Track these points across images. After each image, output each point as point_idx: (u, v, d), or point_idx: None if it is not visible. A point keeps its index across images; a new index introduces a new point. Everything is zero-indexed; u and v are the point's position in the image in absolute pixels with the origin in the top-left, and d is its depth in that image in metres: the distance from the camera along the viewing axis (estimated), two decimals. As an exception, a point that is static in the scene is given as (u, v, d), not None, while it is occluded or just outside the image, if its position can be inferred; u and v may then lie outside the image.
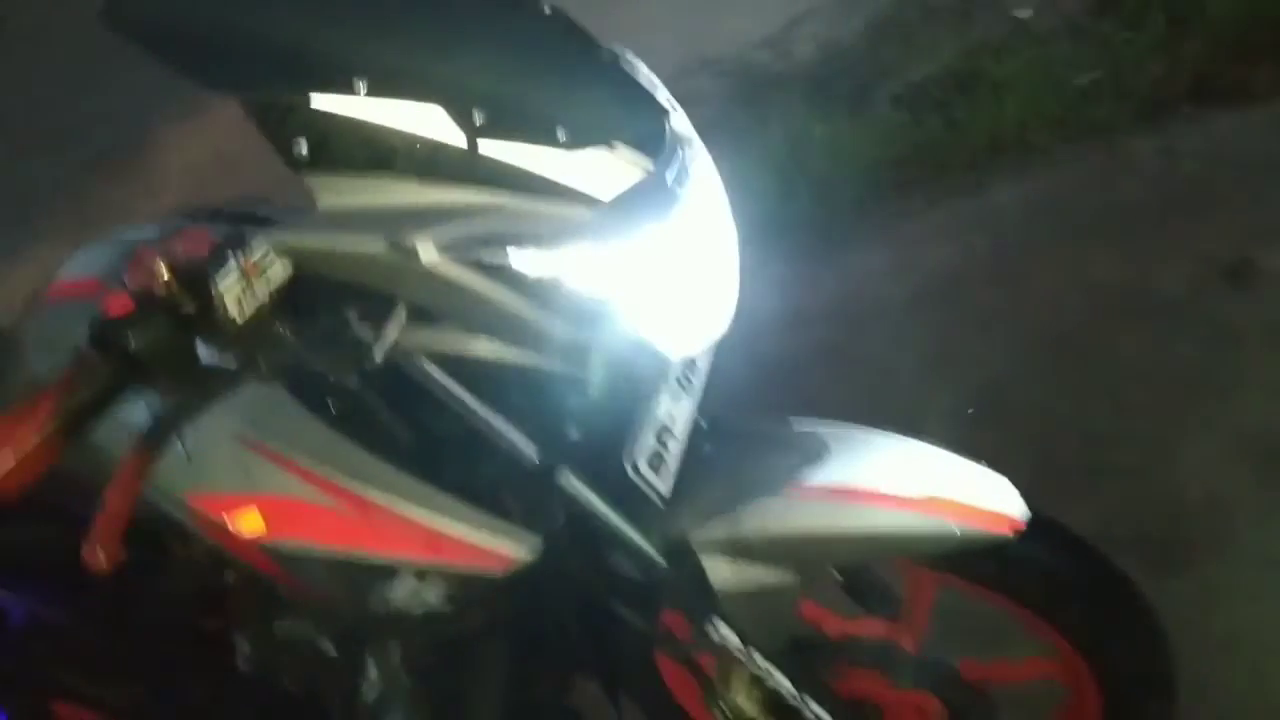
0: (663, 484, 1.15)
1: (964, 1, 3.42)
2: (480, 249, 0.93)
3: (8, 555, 1.51)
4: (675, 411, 1.18)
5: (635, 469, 1.12)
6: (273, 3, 0.97)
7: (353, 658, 1.40)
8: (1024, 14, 3.24)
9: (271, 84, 0.92)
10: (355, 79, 0.92)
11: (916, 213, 2.66)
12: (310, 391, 1.18)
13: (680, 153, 1.03)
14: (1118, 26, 3.01)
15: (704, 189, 1.05)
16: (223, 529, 1.16)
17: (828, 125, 2.94)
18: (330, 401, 1.18)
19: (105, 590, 1.47)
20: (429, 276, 0.93)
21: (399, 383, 1.15)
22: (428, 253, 0.92)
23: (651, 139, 1.02)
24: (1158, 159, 2.56)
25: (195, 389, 1.00)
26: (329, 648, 1.45)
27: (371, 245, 0.93)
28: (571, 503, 1.19)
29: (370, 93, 0.92)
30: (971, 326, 2.35)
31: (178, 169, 3.72)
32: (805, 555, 1.22)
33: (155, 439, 0.99)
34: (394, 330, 0.97)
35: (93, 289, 1.28)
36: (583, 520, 1.21)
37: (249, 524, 1.15)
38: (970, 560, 1.24)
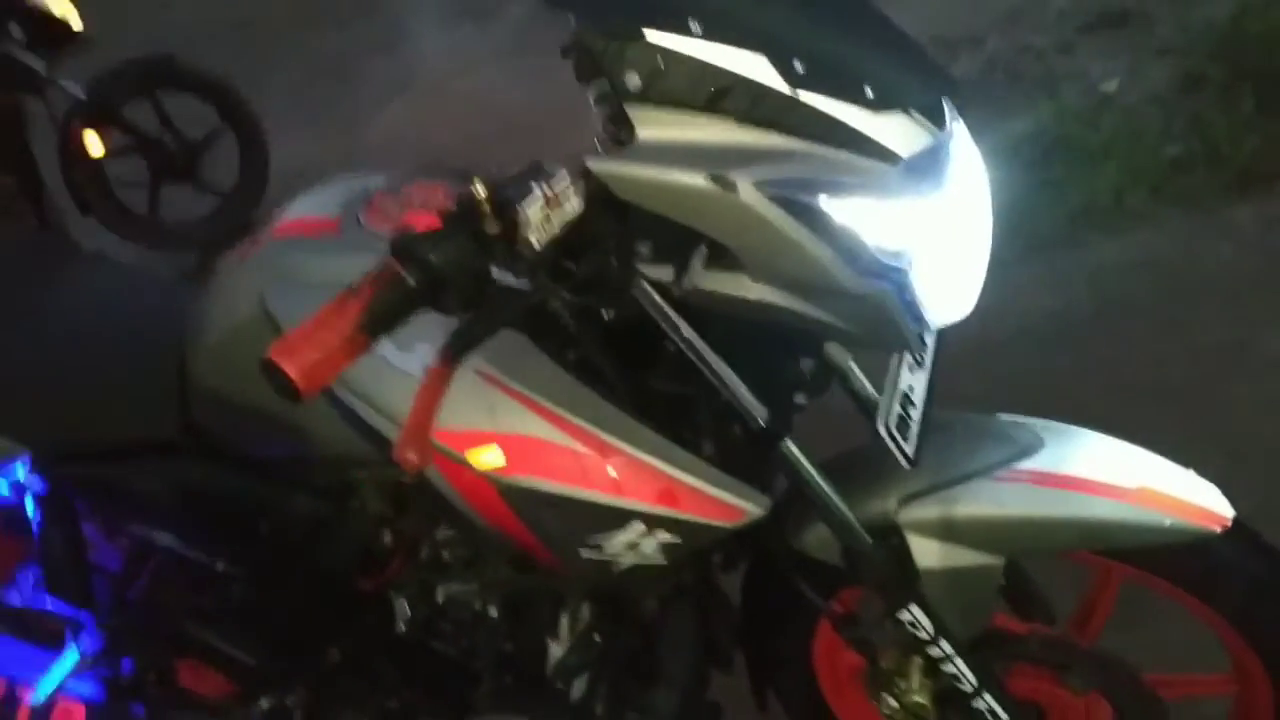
0: (909, 448, 1.17)
1: (1048, 73, 3.52)
2: (794, 190, 0.97)
3: (172, 494, 1.52)
4: (914, 383, 1.22)
5: (886, 430, 1.15)
6: None
7: (539, 618, 1.42)
8: (1109, 87, 3.34)
9: (618, 13, 0.96)
10: (691, 19, 0.96)
11: (1014, 261, 2.72)
12: (548, 339, 1.21)
13: (957, 126, 1.08)
14: (1206, 104, 3.10)
15: (971, 167, 1.10)
16: (462, 463, 1.18)
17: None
18: (569, 349, 1.22)
19: (266, 542, 1.50)
20: (743, 211, 0.97)
21: (636, 334, 1.19)
22: (746, 188, 0.96)
23: (934, 109, 1.06)
24: (1257, 226, 2.63)
25: (486, 307, 1.03)
26: (494, 612, 1.47)
27: (692, 177, 0.97)
28: (791, 471, 1.22)
29: (703, 35, 0.97)
30: (1071, 373, 2.40)
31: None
32: (1014, 540, 1.24)
33: (457, 350, 1.02)
34: (698, 263, 1.01)
35: (328, 226, 1.31)
36: (797, 489, 1.24)
37: (490, 460, 1.17)
38: (1169, 558, 1.26)
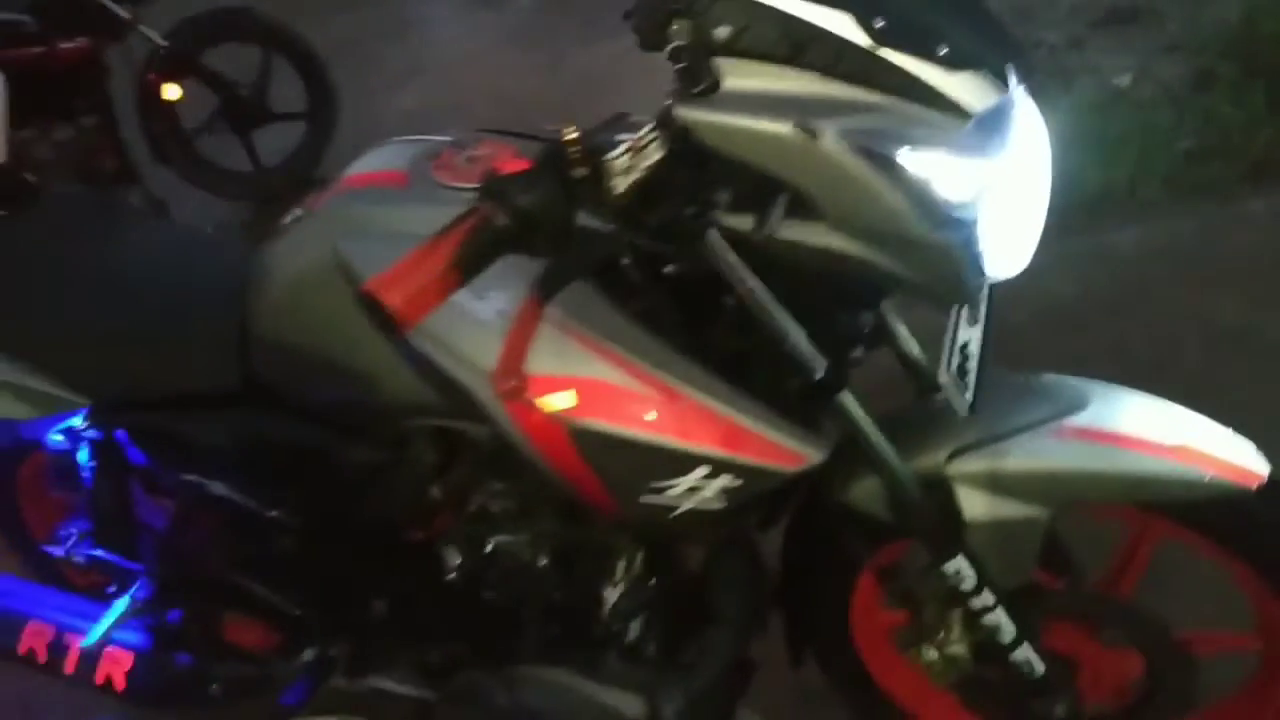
0: (967, 397, 1.22)
1: (1060, 68, 3.58)
2: (873, 141, 1.02)
3: (230, 444, 1.56)
4: (970, 336, 1.26)
5: (949, 379, 1.20)
6: None
7: (592, 565, 1.46)
8: (1123, 82, 3.39)
9: None
10: None
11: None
12: (614, 289, 1.26)
13: (1020, 90, 1.13)
14: (1218, 100, 3.16)
15: (1033, 129, 1.15)
16: (532, 406, 1.22)
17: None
18: (634, 300, 1.26)
19: (320, 492, 1.54)
20: (825, 160, 1.02)
21: (695, 290, 1.24)
22: (829, 137, 1.01)
23: (1002, 72, 1.11)
24: (1270, 214, 2.69)
25: (571, 250, 1.07)
26: (543, 561, 1.51)
27: (778, 125, 1.01)
28: (848, 422, 1.26)
29: None
30: (1087, 354, 2.45)
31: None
32: (1060, 492, 1.29)
33: (548, 288, 1.07)
34: (779, 211, 1.05)
35: (397, 179, 1.35)
36: (848, 442, 1.29)
37: (562, 403, 1.21)
38: (1205, 513, 1.31)
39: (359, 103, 4.12)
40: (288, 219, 1.46)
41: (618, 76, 4.19)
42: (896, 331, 1.38)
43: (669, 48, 1.12)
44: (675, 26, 1.08)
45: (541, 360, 1.21)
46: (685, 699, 1.37)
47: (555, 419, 1.22)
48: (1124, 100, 3.28)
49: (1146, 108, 3.22)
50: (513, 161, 1.20)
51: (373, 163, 1.40)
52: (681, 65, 1.11)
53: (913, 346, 1.40)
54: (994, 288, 1.27)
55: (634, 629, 1.45)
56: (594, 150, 1.04)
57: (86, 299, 1.58)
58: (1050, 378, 1.36)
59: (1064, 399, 1.31)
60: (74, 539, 1.85)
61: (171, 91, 3.70)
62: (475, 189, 1.25)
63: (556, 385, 1.21)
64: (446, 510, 1.54)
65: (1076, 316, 2.56)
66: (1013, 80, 1.12)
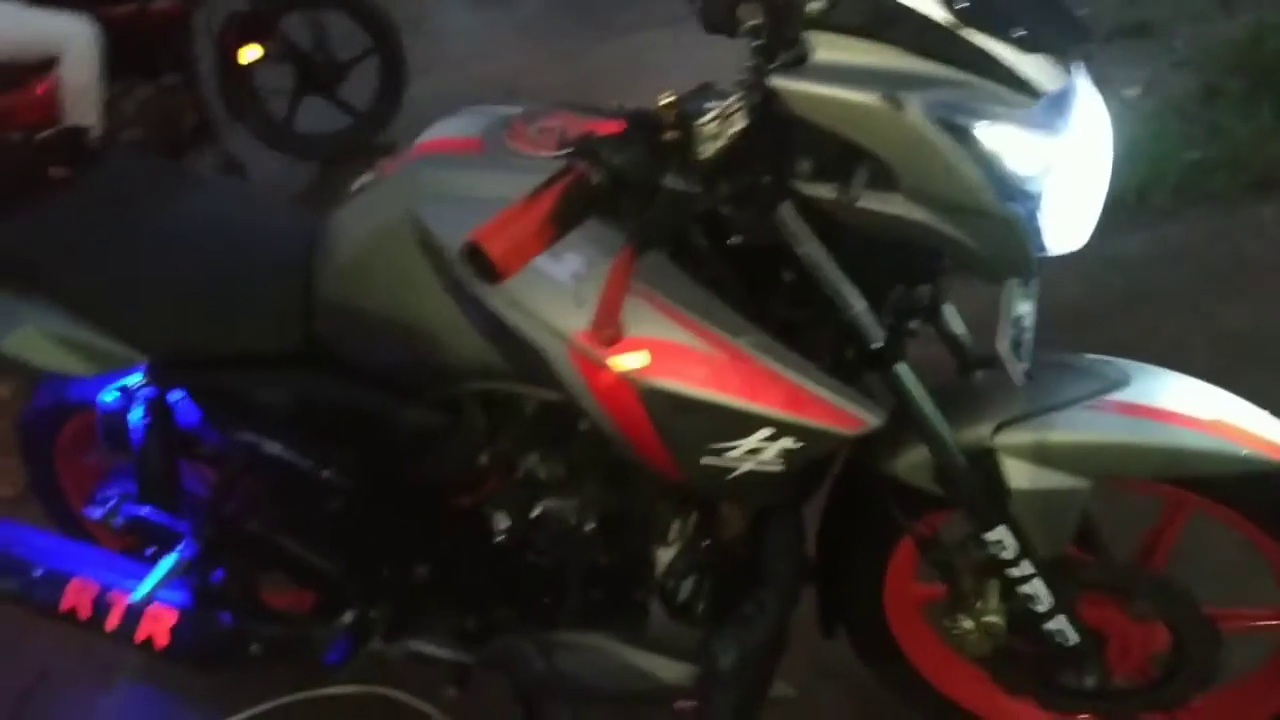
0: (1022, 368, 1.27)
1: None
2: (952, 113, 1.08)
3: (288, 404, 1.59)
4: (1024, 310, 1.32)
5: (1007, 349, 1.25)
6: None
7: (644, 526, 1.50)
8: (1131, 93, 3.47)
9: None
10: None
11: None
12: (683, 255, 1.31)
13: (1083, 75, 1.19)
14: (1226, 113, 3.24)
15: (1095, 113, 1.21)
16: (603, 365, 1.27)
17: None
18: (701, 267, 1.31)
19: (373, 454, 1.57)
20: (908, 130, 1.07)
21: (761, 256, 1.29)
22: (913, 108, 1.06)
23: (1068, 57, 1.17)
24: (1277, 222, 2.77)
25: (659, 209, 1.13)
26: (590, 526, 1.55)
27: (866, 96, 1.07)
28: (902, 392, 1.32)
29: None
30: (1096, 353, 2.51)
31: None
32: (1102, 464, 1.34)
33: (640, 244, 1.11)
34: (861, 179, 1.10)
35: (472, 146, 1.40)
36: (898, 413, 1.34)
37: (633, 362, 1.26)
38: (1240, 489, 1.37)
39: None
40: (358, 184, 1.49)
41: (626, 74, 4.27)
42: (943, 308, 1.43)
43: (749, 23, 1.17)
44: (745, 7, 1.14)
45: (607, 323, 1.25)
46: (740, 652, 1.41)
47: (626, 379, 1.26)
48: (1133, 111, 3.35)
49: (1155, 119, 3.29)
50: (590, 127, 1.24)
51: (446, 130, 1.44)
52: (761, 41, 1.17)
53: (957, 324, 1.46)
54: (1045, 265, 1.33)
55: (685, 589, 1.50)
56: (685, 116, 1.09)
57: (150, 258, 1.62)
58: (1091, 358, 1.42)
59: (1106, 377, 1.37)
60: (115, 501, 1.89)
61: (249, 53, 3.82)
62: (549, 157, 1.32)
63: (629, 346, 1.25)
64: (495, 474, 1.58)
65: (1086, 316, 2.62)
66: (1077, 65, 1.18)
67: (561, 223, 1.06)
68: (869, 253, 1.24)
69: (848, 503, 1.57)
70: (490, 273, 1.03)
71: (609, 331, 1.09)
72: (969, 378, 1.47)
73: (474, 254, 1.04)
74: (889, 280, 1.31)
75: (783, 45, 1.15)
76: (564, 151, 1.30)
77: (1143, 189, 2.99)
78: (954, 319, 1.46)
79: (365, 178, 1.49)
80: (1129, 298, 2.67)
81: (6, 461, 2.52)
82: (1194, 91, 3.42)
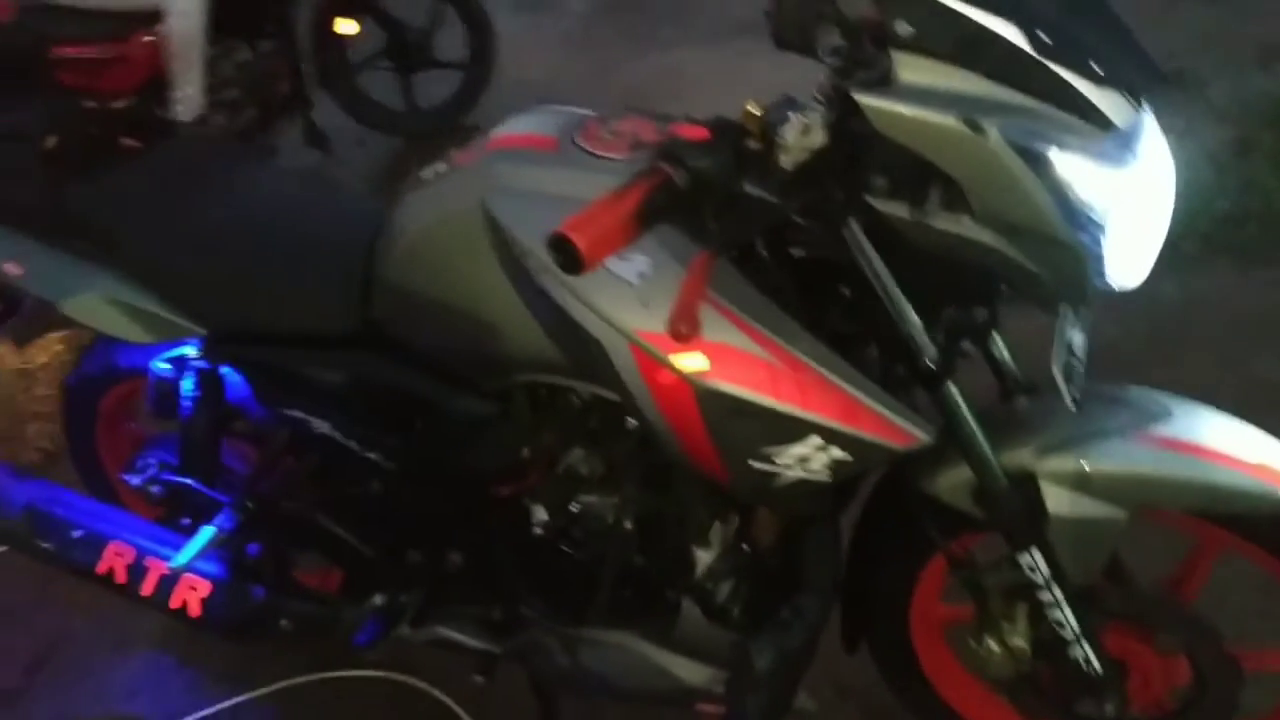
0: (1072, 395, 1.30)
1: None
2: (1030, 140, 1.11)
3: (341, 384, 1.63)
4: (1077, 338, 1.35)
5: (1060, 374, 1.28)
6: None
7: (684, 527, 1.53)
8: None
9: None
10: None
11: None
12: (745, 263, 1.34)
13: (1150, 114, 1.22)
14: (1259, 167, 3.28)
15: (1161, 151, 1.24)
16: (664, 363, 1.30)
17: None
18: (762, 275, 1.34)
19: (421, 439, 1.60)
20: (987, 154, 1.11)
21: (820, 269, 1.32)
22: (993, 133, 1.10)
23: (1139, 94, 1.20)
24: (1308, 278, 2.80)
25: (737, 215, 1.16)
26: (629, 524, 1.57)
27: (948, 118, 1.10)
28: (950, 411, 1.34)
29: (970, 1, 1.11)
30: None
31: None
32: (1141, 496, 1.36)
33: (720, 245, 1.15)
34: (937, 198, 1.13)
35: (546, 143, 1.43)
36: (946, 429, 1.37)
37: (693, 364, 1.29)
38: (1275, 529, 1.40)
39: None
40: (427, 172, 1.53)
41: (663, 88, 4.29)
42: (992, 333, 1.46)
43: (828, 44, 1.21)
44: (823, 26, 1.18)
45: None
46: (776, 656, 1.44)
47: (685, 379, 1.29)
48: (1167, 159, 3.38)
49: (1188, 169, 3.31)
50: (673, 131, 1.29)
51: (521, 126, 1.48)
52: (838, 61, 1.20)
53: (1002, 348, 1.49)
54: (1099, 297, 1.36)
55: (723, 592, 1.52)
56: (770, 125, 1.13)
57: (215, 233, 1.65)
58: (1136, 389, 1.45)
59: (1150, 409, 1.40)
60: (154, 469, 1.92)
61: (345, 26, 3.87)
62: (622, 159, 1.35)
63: (690, 347, 1.28)
64: (536, 467, 1.61)
65: (1116, 356, 2.64)
66: (1145, 103, 1.22)
67: (644, 220, 1.10)
68: (927, 270, 1.27)
69: (881, 517, 1.60)
70: (575, 263, 1.07)
71: (684, 329, 1.12)
72: (1011, 402, 1.49)
73: (560, 244, 1.07)
74: (943, 299, 1.34)
75: (860, 65, 1.19)
76: (639, 154, 1.34)
77: (1174, 236, 3.01)
78: (999, 343, 1.49)
79: (436, 166, 1.53)
80: (1158, 341, 2.70)
81: (43, 425, 2.55)
82: (1228, 143, 3.46)
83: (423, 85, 4.24)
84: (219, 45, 3.47)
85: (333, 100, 4.03)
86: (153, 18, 3.26)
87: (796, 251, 1.36)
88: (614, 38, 4.90)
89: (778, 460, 1.34)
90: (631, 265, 1.30)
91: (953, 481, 1.43)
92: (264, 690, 2.14)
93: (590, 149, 1.39)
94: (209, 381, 1.75)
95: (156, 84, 3.35)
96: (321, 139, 3.92)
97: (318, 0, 3.81)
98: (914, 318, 1.29)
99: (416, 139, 4.24)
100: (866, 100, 1.12)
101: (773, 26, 1.35)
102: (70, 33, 3.34)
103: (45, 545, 1.83)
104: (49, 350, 2.92)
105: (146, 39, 3.28)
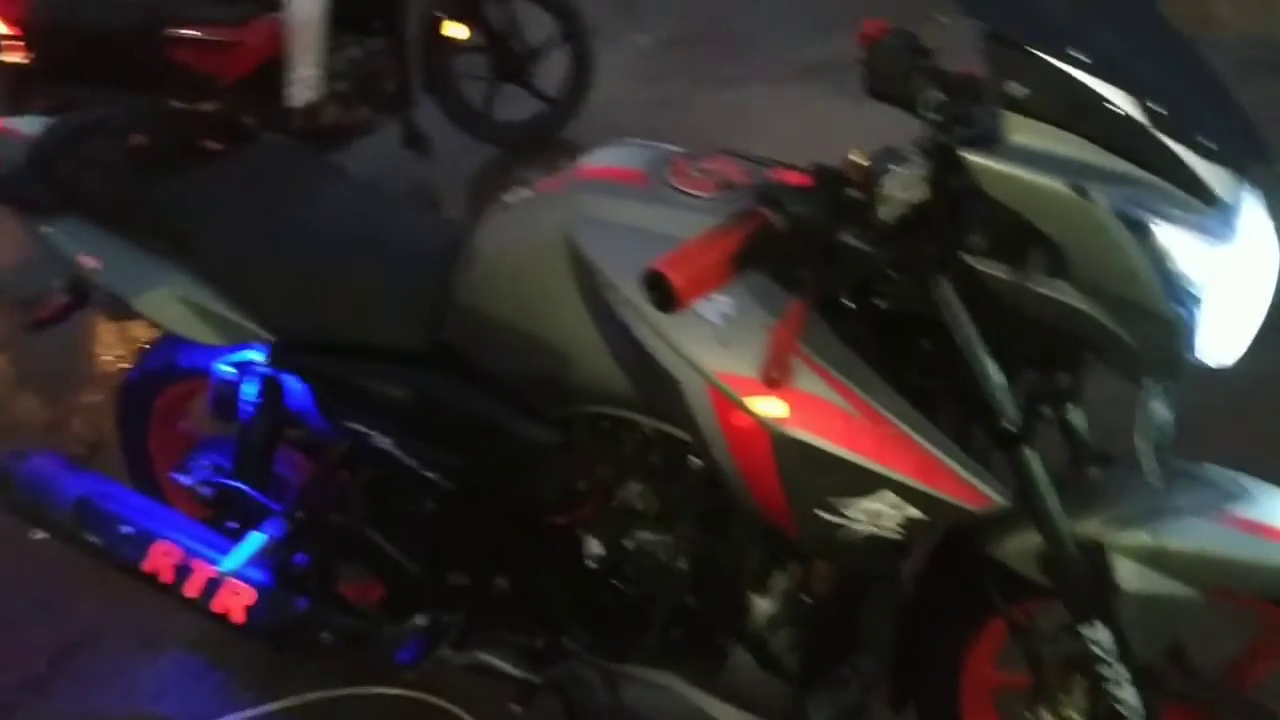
0: (1155, 469, 1.28)
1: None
2: (1135, 209, 1.10)
3: (405, 401, 1.62)
4: (1162, 413, 1.33)
5: (1143, 448, 1.26)
6: None
7: (737, 572, 1.51)
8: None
9: (1021, 29, 1.09)
10: (1075, 49, 1.09)
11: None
12: (827, 312, 1.33)
13: (1255, 192, 1.21)
14: None
15: (1264, 231, 1.23)
16: (741, 406, 1.28)
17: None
18: (844, 325, 1.33)
19: (480, 462, 1.59)
20: (1093, 221, 1.09)
21: (902, 321, 1.31)
22: (1100, 200, 1.09)
23: (1245, 171, 1.19)
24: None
25: (832, 264, 1.15)
26: (683, 564, 1.56)
27: (1056, 183, 1.09)
28: (1026, 475, 1.32)
29: (1080, 65, 1.10)
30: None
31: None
32: (1215, 577, 1.34)
33: (814, 292, 1.14)
34: (1039, 262, 1.12)
35: (635, 177, 1.43)
36: (1023, 493, 1.35)
37: (772, 409, 1.27)
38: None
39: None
40: (511, 196, 1.53)
41: (726, 125, 4.29)
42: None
43: (929, 98, 1.20)
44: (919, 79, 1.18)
45: (759, 367, 1.27)
46: (833, 714, 1.41)
47: (762, 424, 1.28)
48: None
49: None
50: (745, 173, 1.28)
51: (608, 158, 1.47)
52: (939, 115, 1.20)
53: (1077, 416, 1.46)
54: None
55: (780, 642, 1.50)
56: (874, 176, 1.12)
57: (292, 241, 1.66)
58: (1214, 468, 1.42)
59: (1228, 489, 1.37)
60: (206, 471, 1.92)
61: (455, 30, 3.97)
62: (709, 197, 1.35)
63: (770, 392, 1.27)
64: (593, 499, 1.60)
65: (1192, 426, 2.60)
66: (1254, 183, 1.20)
67: (740, 263, 1.09)
68: (1013, 331, 1.26)
69: (940, 576, 1.57)
70: (669, 300, 1.06)
71: (776, 375, 1.11)
72: (1083, 470, 1.47)
73: (656, 281, 1.06)
74: (1025, 361, 1.33)
75: (959, 120, 1.18)
76: (728, 193, 1.34)
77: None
78: (1075, 410, 1.46)
79: (520, 191, 1.53)
80: (1218, 411, 2.66)
81: (91, 418, 2.57)
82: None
83: (511, 102, 4.30)
84: (332, 40, 3.56)
85: (436, 106, 4.10)
86: (274, 4, 3.39)
87: (879, 301, 1.34)
88: (676, 72, 4.91)
89: (848, 513, 1.32)
90: (714, 305, 1.29)
91: (1020, 546, 1.40)
92: (293, 701, 2.12)
93: (679, 186, 1.39)
94: (271, 388, 1.75)
95: (266, 71, 3.48)
96: (421, 140, 3.99)
97: (429, 4, 3.89)
98: (997, 377, 1.27)
99: (509, 150, 4.31)
100: (975, 159, 1.11)
101: (867, 76, 1.35)
102: (191, 13, 3.46)
103: (93, 539, 1.83)
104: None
105: (266, 23, 3.41)
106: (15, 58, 3.69)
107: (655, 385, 1.36)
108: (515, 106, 4.33)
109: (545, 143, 4.31)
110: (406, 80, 3.86)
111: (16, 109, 3.68)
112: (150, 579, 1.81)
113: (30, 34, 3.64)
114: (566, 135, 4.39)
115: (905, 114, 1.34)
